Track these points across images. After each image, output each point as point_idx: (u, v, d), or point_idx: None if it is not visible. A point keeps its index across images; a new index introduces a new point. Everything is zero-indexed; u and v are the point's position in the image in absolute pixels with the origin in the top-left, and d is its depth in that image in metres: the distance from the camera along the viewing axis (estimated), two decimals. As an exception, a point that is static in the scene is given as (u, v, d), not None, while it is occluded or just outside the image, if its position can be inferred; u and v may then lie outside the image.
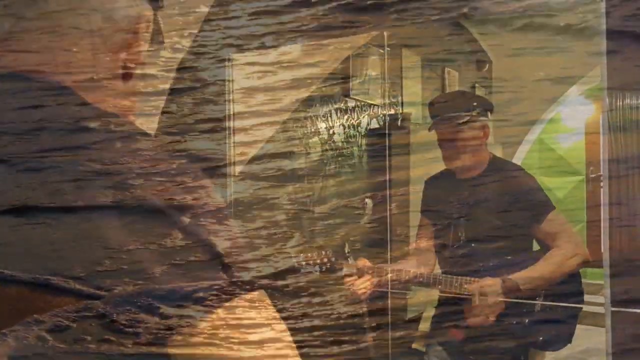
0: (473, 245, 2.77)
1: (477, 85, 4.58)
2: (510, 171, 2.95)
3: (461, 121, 2.83)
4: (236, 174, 2.54)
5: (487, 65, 4.56)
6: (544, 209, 2.78)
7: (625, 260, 2.13)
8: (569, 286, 2.82)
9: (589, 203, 5.02)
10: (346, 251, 2.80)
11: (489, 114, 2.98)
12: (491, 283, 2.66)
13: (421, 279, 2.73)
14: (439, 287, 2.73)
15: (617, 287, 2.12)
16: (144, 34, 1.06)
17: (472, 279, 2.71)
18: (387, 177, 2.90)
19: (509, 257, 2.73)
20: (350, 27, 2.37)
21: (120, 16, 1.04)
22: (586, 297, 3.09)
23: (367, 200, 3.19)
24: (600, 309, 3.23)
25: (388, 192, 2.83)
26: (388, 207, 2.81)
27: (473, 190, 2.83)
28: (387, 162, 2.97)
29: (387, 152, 3.15)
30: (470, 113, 2.88)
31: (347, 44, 3.14)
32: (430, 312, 2.95)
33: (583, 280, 4.00)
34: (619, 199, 2.15)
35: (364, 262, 2.71)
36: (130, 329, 0.96)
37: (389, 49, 3.64)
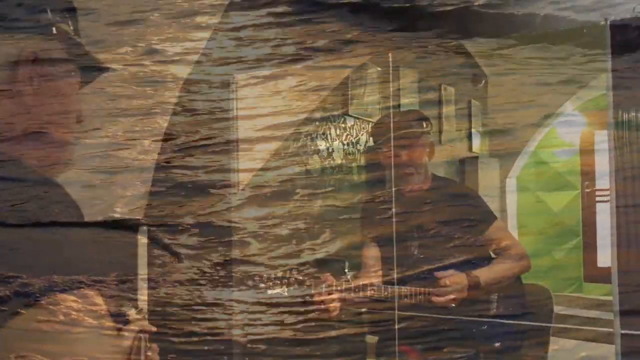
0: (422, 257, 2.95)
1: (472, 100, 4.63)
2: (454, 186, 3.18)
3: (412, 137, 3.00)
4: (241, 187, 2.59)
5: (483, 81, 4.60)
6: (489, 219, 2.98)
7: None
8: (514, 293, 3.02)
9: (584, 217, 5.06)
10: (346, 270, 2.85)
11: (430, 130, 3.12)
12: (457, 273, 2.88)
13: (386, 293, 2.85)
14: (404, 297, 2.86)
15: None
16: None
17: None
18: (393, 194, 2.96)
19: (464, 266, 2.95)
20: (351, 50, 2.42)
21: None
22: (579, 312, 3.19)
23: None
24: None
25: (393, 210, 2.88)
26: (393, 225, 2.87)
27: (421, 205, 3.00)
28: (392, 176, 3.05)
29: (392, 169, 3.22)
30: (422, 129, 3.06)
31: (350, 64, 3.20)
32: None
33: (579, 295, 4.05)
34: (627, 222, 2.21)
35: (326, 277, 2.77)
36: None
37: (384, 67, 3.68)
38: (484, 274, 2.88)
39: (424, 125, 3.09)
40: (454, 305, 2.85)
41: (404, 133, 2.99)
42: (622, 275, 2.30)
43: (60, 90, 1.10)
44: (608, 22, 2.14)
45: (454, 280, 2.85)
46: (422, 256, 2.94)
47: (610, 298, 4.12)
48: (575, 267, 5.00)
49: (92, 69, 1.20)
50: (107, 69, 1.22)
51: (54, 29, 1.14)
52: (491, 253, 2.97)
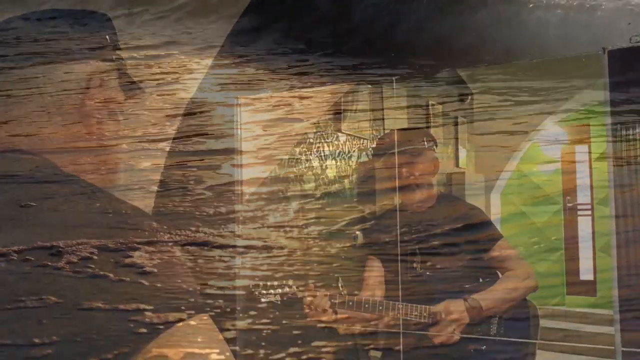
0: (428, 274, 2.88)
1: (459, 117, 4.72)
2: (459, 204, 3.08)
3: (416, 154, 2.94)
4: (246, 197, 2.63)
5: (469, 98, 4.69)
6: (493, 237, 2.91)
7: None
8: (520, 313, 2.95)
9: (566, 231, 5.16)
10: (340, 285, 2.86)
11: (435, 148, 3.10)
12: (455, 302, 2.78)
13: (380, 307, 2.78)
14: (399, 313, 2.79)
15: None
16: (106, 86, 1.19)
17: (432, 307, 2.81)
18: (397, 207, 2.98)
19: (466, 285, 2.84)
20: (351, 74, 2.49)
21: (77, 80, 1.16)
22: (566, 325, 3.24)
23: (357, 232, 3.28)
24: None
25: (398, 228, 2.91)
26: (398, 239, 2.90)
27: (426, 222, 2.94)
28: (397, 187, 3.05)
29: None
30: (425, 146, 3.00)
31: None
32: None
33: (562, 308, 4.11)
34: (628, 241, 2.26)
35: (313, 290, 2.76)
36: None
37: (370, 85, 3.76)
38: (485, 297, 2.78)
39: (427, 142, 3.04)
40: (456, 339, 2.75)
41: (407, 149, 2.93)
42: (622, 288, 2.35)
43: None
44: (606, 52, 2.21)
45: (450, 311, 2.76)
46: (427, 273, 2.88)
47: (593, 310, 4.21)
48: (558, 281, 5.08)
49: (132, 87, 1.27)
50: (141, 88, 1.29)
51: (113, 56, 1.21)
52: (499, 273, 2.89)
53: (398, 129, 3.24)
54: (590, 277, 4.83)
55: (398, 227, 2.85)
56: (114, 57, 1.23)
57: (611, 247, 2.46)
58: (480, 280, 2.85)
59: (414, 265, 2.90)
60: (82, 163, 1.23)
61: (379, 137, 3.22)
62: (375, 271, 2.89)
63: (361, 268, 2.97)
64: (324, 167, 3.39)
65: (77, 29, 1.18)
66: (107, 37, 1.16)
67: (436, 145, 3.02)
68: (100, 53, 1.22)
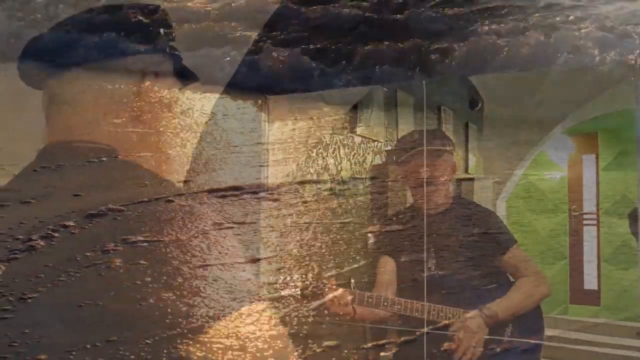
0: (441, 274, 2.89)
1: (469, 123, 4.73)
2: (474, 208, 3.09)
3: (434, 156, 2.96)
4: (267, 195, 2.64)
5: (480, 104, 4.71)
6: (507, 242, 2.93)
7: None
8: (533, 321, 2.95)
9: (571, 240, 5.18)
10: (352, 287, 2.86)
11: (453, 151, 3.13)
12: (472, 315, 2.79)
13: (398, 306, 2.79)
14: (417, 314, 2.80)
15: None
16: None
17: (452, 308, 2.81)
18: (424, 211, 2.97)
19: (481, 288, 2.84)
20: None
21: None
22: (568, 334, 3.26)
23: (369, 234, 3.29)
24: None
25: (425, 235, 2.91)
26: (425, 248, 2.90)
27: (440, 225, 2.96)
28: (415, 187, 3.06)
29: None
30: (444, 149, 3.02)
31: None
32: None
33: (564, 317, 4.11)
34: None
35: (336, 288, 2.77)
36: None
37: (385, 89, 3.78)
38: (501, 305, 2.77)
39: (446, 145, 3.05)
40: (480, 351, 2.74)
41: (426, 151, 2.94)
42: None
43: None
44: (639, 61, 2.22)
45: (469, 327, 2.74)
46: (441, 273, 2.88)
47: (598, 320, 4.21)
48: (562, 289, 5.10)
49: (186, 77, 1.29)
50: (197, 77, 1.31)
51: (167, 48, 1.22)
52: (510, 277, 2.88)
53: (418, 130, 3.24)
54: (594, 286, 4.85)
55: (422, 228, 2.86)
56: (167, 48, 1.24)
57: None
58: (493, 284, 2.85)
59: (428, 266, 2.91)
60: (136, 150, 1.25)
61: (399, 137, 3.21)
62: (388, 270, 2.90)
63: (373, 268, 2.99)
64: (338, 168, 3.41)
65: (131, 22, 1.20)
66: (161, 30, 1.17)
67: (454, 149, 3.05)
68: (155, 44, 1.23)
